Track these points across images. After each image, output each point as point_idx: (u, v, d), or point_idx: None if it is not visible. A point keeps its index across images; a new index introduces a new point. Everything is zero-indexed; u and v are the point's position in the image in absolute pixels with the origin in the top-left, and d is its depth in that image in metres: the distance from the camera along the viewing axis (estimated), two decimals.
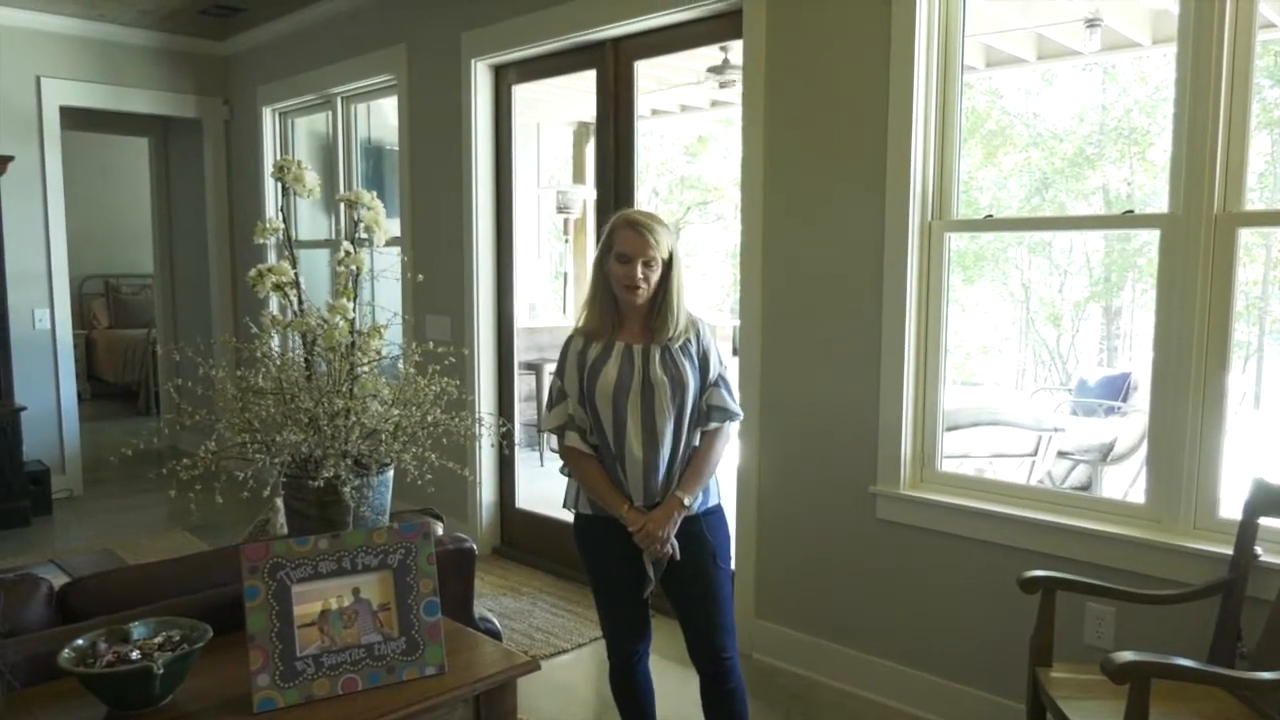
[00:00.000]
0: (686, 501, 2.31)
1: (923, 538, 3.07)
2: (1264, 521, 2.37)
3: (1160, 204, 2.63)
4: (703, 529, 2.37)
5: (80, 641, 1.62)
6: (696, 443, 2.38)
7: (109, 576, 2.03)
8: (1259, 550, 2.37)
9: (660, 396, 2.29)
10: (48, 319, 5.78)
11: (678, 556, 2.32)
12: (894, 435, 3.10)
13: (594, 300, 2.38)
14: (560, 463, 2.46)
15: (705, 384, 2.37)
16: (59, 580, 2.02)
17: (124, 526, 5.33)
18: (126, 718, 1.58)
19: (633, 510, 2.31)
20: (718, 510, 2.44)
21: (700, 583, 2.37)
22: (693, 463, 2.36)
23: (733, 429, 2.44)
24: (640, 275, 2.28)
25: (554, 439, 2.44)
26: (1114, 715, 1.97)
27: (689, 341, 2.36)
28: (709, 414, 2.38)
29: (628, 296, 2.30)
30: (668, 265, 2.32)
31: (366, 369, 2.06)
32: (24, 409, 5.32)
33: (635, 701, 2.56)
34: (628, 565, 2.35)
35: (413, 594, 1.77)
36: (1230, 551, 2.40)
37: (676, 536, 2.32)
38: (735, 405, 2.40)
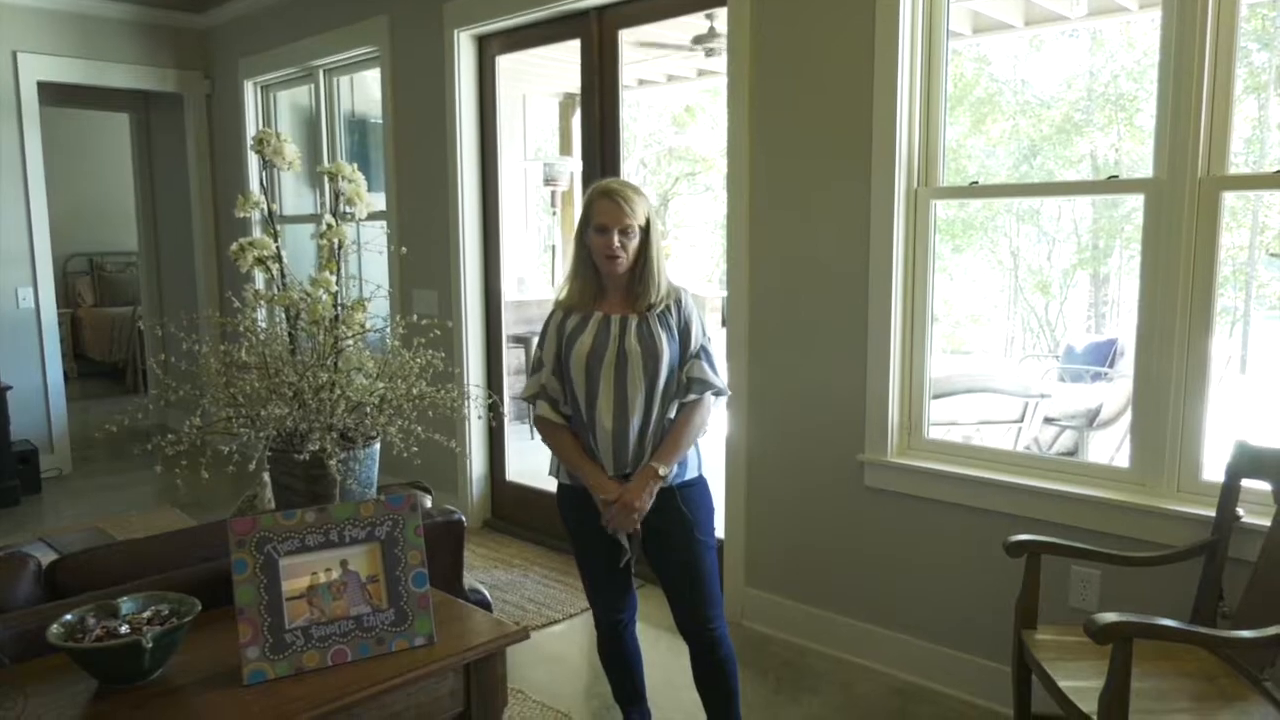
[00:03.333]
0: (662, 472, 2.29)
1: (910, 505, 3.10)
2: (1246, 483, 2.40)
3: (1147, 170, 2.62)
4: (679, 502, 2.35)
5: (69, 617, 1.62)
6: (671, 415, 2.35)
7: (97, 553, 2.03)
8: (1241, 512, 2.40)
9: (633, 366, 2.29)
10: (31, 298, 5.73)
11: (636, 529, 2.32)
12: (881, 404, 3.12)
13: (575, 272, 2.39)
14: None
15: (686, 355, 2.36)
16: (48, 558, 2.02)
17: (113, 504, 5.33)
18: (117, 692, 1.59)
19: (608, 480, 2.31)
20: (698, 482, 2.42)
21: (681, 556, 2.37)
22: (670, 433, 2.34)
23: (715, 403, 2.41)
24: (618, 244, 2.27)
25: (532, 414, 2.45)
26: (1098, 676, 1.99)
27: (668, 311, 2.34)
28: (688, 386, 2.35)
29: (608, 266, 2.30)
30: (646, 233, 2.31)
31: (351, 343, 2.05)
32: (10, 388, 5.29)
33: (623, 668, 2.59)
34: (603, 535, 2.36)
35: (401, 565, 1.78)
36: (1213, 513, 2.43)
37: (655, 510, 2.32)
38: (717, 379, 2.36)
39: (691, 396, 2.35)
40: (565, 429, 2.37)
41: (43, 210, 5.74)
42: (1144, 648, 1.99)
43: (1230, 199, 2.53)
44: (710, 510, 2.43)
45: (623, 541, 2.35)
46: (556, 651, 3.43)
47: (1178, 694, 2.14)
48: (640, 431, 2.32)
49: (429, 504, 2.37)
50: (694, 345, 2.36)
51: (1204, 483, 2.55)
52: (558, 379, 2.37)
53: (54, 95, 6.10)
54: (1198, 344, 2.55)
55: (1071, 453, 4.92)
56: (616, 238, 2.27)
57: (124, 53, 6.04)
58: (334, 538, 1.75)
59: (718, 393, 2.38)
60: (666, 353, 2.31)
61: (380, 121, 5.12)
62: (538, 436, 2.54)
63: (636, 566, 2.45)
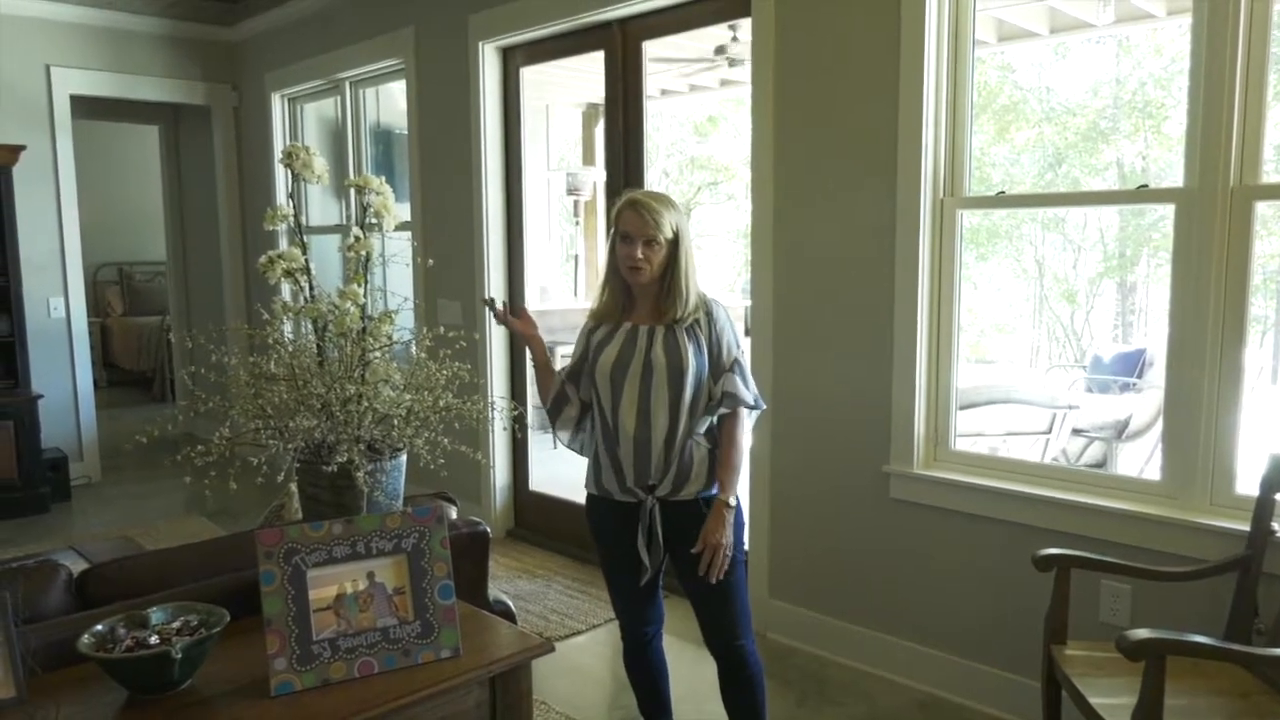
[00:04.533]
0: (731, 501, 2.30)
1: (936, 517, 3.07)
2: None
3: (1175, 178, 2.60)
4: (705, 517, 2.32)
5: (100, 627, 1.64)
6: (701, 430, 2.33)
7: (127, 563, 2.05)
8: (1275, 526, 2.36)
9: (658, 377, 2.28)
10: (62, 307, 5.82)
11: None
12: (907, 414, 3.09)
13: (606, 282, 2.40)
14: (565, 438, 2.50)
15: (718, 369, 2.33)
16: (78, 566, 2.04)
17: (142, 512, 5.38)
18: (146, 701, 1.60)
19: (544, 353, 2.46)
20: None
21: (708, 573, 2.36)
22: (722, 461, 2.33)
23: (749, 418, 2.38)
24: (640, 255, 2.26)
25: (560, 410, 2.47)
26: (1129, 693, 1.96)
27: (698, 324, 2.33)
28: (720, 400, 2.32)
29: (632, 277, 2.29)
30: (674, 245, 2.30)
31: (378, 354, 2.06)
32: (41, 397, 5.36)
33: (649, 681, 2.57)
34: (627, 548, 2.35)
35: (427, 577, 1.78)
36: (1247, 528, 2.39)
37: (686, 526, 2.32)
38: (748, 394, 2.33)
39: (723, 410, 2.33)
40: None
41: (74, 220, 5.83)
42: (1177, 664, 1.96)
43: (1262, 208, 2.49)
44: (741, 525, 2.40)
45: (644, 559, 2.33)
46: (580, 662, 3.42)
47: (1212, 712, 2.10)
48: (666, 442, 2.30)
49: (454, 514, 2.38)
50: (726, 358, 2.34)
51: (1237, 496, 2.52)
52: (574, 383, 2.41)
53: (85, 108, 6.20)
54: (1230, 355, 2.52)
55: (1100, 465, 4.87)
56: (640, 249, 2.26)
57: (154, 66, 6.13)
58: (361, 549, 1.75)
59: (752, 407, 2.36)
60: (692, 365, 2.29)
61: (405, 133, 5.15)
62: (560, 446, 2.54)
63: (664, 579, 2.44)
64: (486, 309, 2.42)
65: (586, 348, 2.39)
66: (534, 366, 2.47)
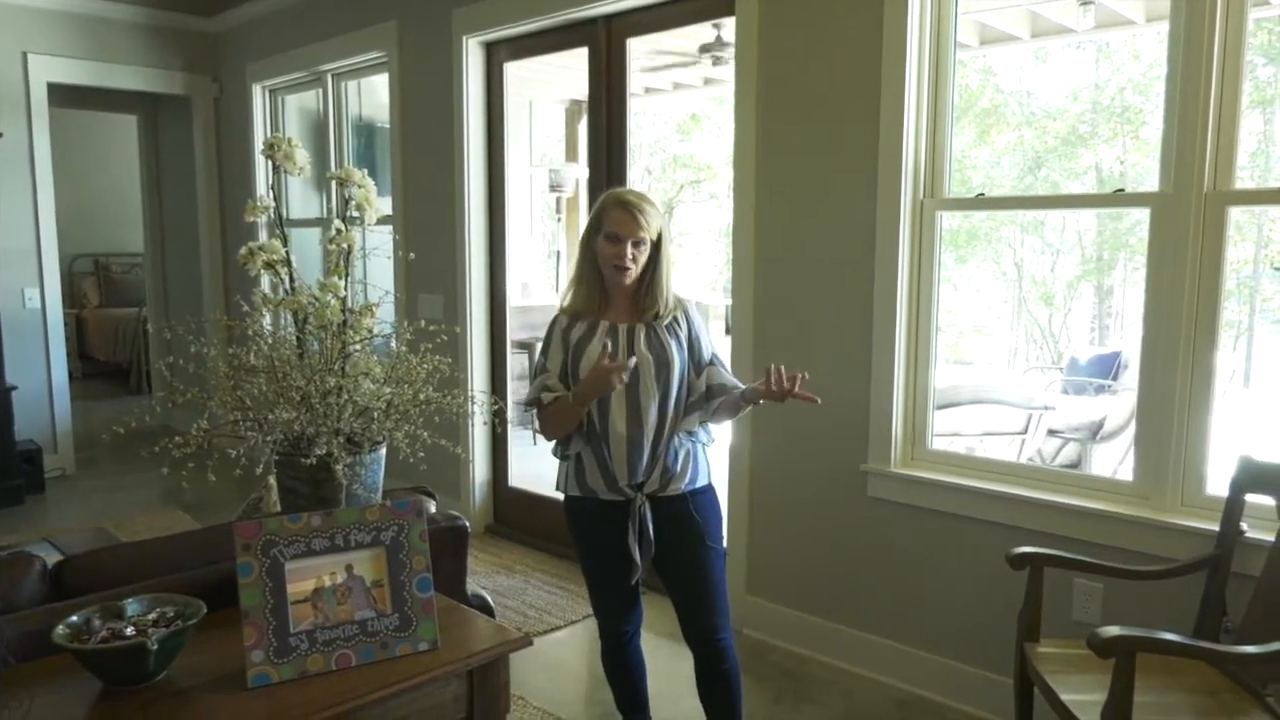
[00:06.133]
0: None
1: (913, 515, 3.10)
2: (1250, 498, 2.40)
3: (1152, 182, 2.63)
4: (691, 510, 2.36)
5: (75, 618, 1.63)
6: (693, 428, 2.36)
7: (103, 554, 2.04)
8: (1245, 526, 2.40)
9: (645, 374, 2.28)
10: (38, 298, 5.75)
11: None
12: (885, 414, 3.12)
13: (580, 279, 2.36)
14: (553, 444, 2.42)
15: (699, 365, 2.36)
16: (53, 559, 2.03)
17: (118, 505, 5.33)
18: (121, 693, 1.59)
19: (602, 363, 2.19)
20: (708, 490, 2.42)
21: (691, 565, 2.37)
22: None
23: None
24: (629, 255, 2.26)
25: (537, 420, 2.41)
26: (1100, 689, 1.99)
27: (676, 322, 2.35)
28: (709, 392, 2.35)
29: (616, 276, 2.29)
30: (656, 245, 2.31)
31: (358, 347, 2.06)
32: (15, 388, 5.31)
33: (627, 679, 2.58)
34: (615, 547, 2.35)
35: (405, 570, 1.78)
36: (1216, 528, 2.43)
37: (668, 518, 2.34)
38: (737, 381, 2.38)
39: (718, 401, 2.35)
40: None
41: (50, 211, 5.76)
42: (1147, 662, 1.98)
43: (1235, 213, 2.53)
44: (720, 518, 2.44)
45: (635, 558, 2.33)
46: (558, 658, 3.43)
47: (1181, 709, 2.14)
48: (655, 440, 2.30)
49: (433, 509, 2.37)
50: (707, 354, 2.38)
51: (1208, 497, 2.55)
52: (563, 385, 2.35)
53: (63, 96, 6.12)
54: (1202, 358, 2.55)
55: (1075, 465, 4.92)
56: (629, 249, 2.26)
57: (133, 55, 6.07)
58: (339, 542, 1.75)
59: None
60: (677, 362, 2.31)
61: (387, 126, 5.13)
62: (540, 441, 2.52)
63: (645, 578, 2.45)
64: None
65: (565, 348, 2.35)
66: (579, 401, 2.27)
